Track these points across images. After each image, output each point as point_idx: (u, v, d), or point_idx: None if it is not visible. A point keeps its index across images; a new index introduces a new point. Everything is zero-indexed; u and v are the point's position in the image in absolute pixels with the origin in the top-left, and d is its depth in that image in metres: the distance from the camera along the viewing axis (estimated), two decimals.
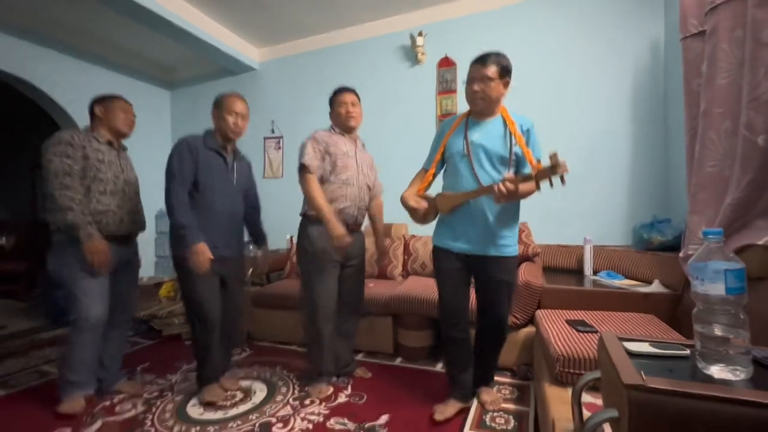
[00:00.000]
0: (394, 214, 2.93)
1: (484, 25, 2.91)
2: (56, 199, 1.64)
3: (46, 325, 3.22)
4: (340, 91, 1.96)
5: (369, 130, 2.59)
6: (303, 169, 1.79)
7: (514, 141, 1.52)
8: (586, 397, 1.24)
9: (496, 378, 1.93)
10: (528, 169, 1.47)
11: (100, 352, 1.79)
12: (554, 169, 1.26)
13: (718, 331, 0.66)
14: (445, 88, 3.00)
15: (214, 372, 1.83)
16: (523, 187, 1.40)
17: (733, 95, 1.45)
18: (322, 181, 1.85)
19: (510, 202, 1.46)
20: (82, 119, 3.31)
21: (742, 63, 1.41)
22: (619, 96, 2.58)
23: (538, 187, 1.40)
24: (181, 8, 2.89)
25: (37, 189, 5.44)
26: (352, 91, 1.98)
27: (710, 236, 0.67)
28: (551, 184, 1.31)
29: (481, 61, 1.51)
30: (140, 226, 1.96)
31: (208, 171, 1.75)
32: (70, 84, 3.24)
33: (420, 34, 2.96)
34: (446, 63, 2.99)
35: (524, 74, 2.81)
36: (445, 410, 1.62)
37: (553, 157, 1.27)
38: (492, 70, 1.48)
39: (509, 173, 1.48)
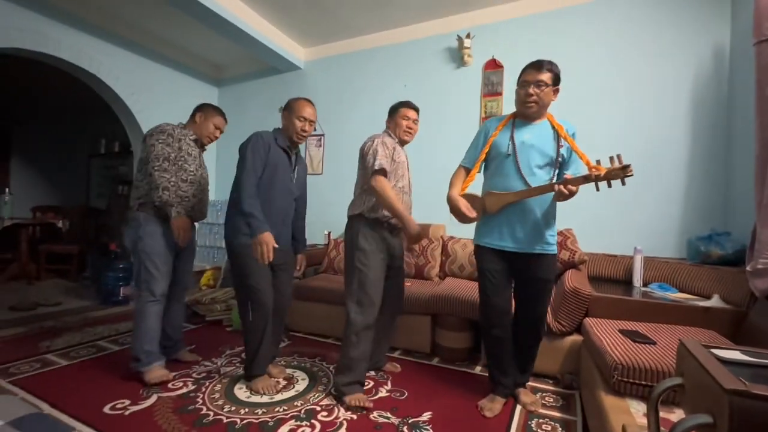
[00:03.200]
0: (435, 214, 2.94)
1: (535, 28, 2.88)
2: (155, 179, 1.85)
3: (96, 305, 3.41)
4: (407, 105, 1.97)
5: None
6: (380, 171, 1.76)
7: (561, 143, 1.59)
8: (640, 406, 1.21)
9: (538, 386, 1.93)
10: (572, 170, 1.56)
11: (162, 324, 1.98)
12: (625, 169, 1.31)
13: None
14: (491, 91, 2.98)
15: (264, 362, 1.86)
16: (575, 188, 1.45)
17: None
18: None
19: (565, 200, 1.49)
20: (139, 112, 3.53)
21: None
22: (677, 103, 2.48)
23: (597, 188, 1.43)
24: (240, 9, 3.02)
25: (91, 176, 5.81)
26: (418, 109, 2.02)
27: None
28: (609, 185, 1.38)
29: (537, 66, 1.56)
30: (204, 214, 2.16)
31: (274, 167, 1.82)
32: (131, 78, 3.44)
33: (468, 36, 2.95)
34: (493, 65, 2.97)
35: (576, 80, 2.75)
36: (493, 407, 1.66)
37: (620, 157, 1.34)
38: (547, 76, 1.55)
39: (568, 174, 1.48)
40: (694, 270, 2.09)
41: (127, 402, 1.68)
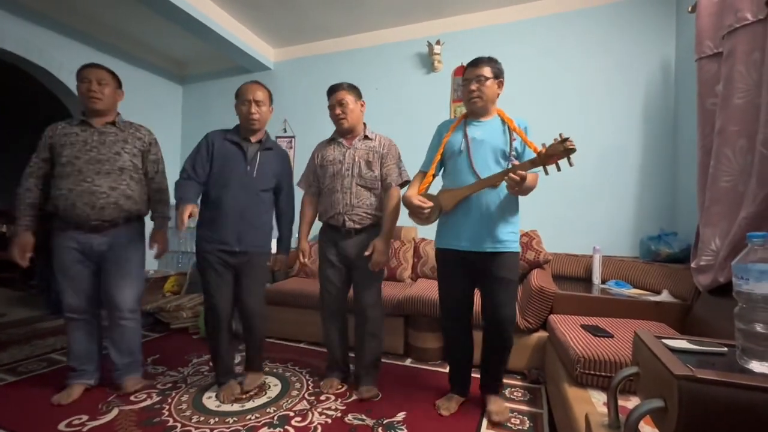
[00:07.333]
0: (406, 217, 2.96)
1: (500, 38, 2.99)
2: None
3: (46, 315, 3.18)
4: (330, 90, 1.85)
5: (382, 133, 2.63)
6: (299, 185, 2.02)
7: (513, 136, 1.60)
8: (601, 396, 1.29)
9: (506, 381, 1.98)
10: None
11: (92, 344, 1.82)
12: (564, 142, 1.33)
13: (760, 329, 0.70)
14: (460, 97, 3.06)
15: (223, 372, 1.82)
16: (529, 177, 1.48)
17: (750, 114, 1.52)
18: (319, 194, 1.95)
19: (520, 192, 1.49)
20: None
21: (758, 84, 1.48)
22: (630, 112, 2.66)
23: (546, 172, 1.41)
24: (205, 5, 2.93)
25: None
26: (342, 88, 1.81)
27: (755, 239, 0.72)
28: (558, 168, 1.40)
29: (475, 62, 1.61)
30: (108, 210, 1.70)
31: (221, 162, 1.77)
32: None
33: (438, 42, 3.03)
34: (462, 72, 3.03)
35: (537, 88, 2.89)
36: (449, 406, 1.69)
37: (560, 135, 1.37)
38: (486, 70, 1.58)
39: (514, 162, 1.53)
40: (646, 267, 2.25)
41: (85, 417, 1.58)
